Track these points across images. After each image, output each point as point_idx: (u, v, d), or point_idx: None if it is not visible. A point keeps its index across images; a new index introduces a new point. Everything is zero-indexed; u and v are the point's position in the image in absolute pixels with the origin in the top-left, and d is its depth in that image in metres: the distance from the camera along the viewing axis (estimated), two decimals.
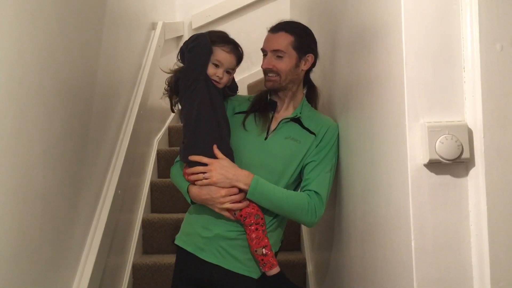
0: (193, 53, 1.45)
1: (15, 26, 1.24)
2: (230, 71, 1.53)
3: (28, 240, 1.31)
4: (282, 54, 1.53)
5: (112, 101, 2.13)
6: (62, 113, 1.53)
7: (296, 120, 1.57)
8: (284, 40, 1.54)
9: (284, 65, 1.53)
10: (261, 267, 1.46)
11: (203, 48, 1.45)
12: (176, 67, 1.54)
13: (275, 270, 1.45)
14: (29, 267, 1.32)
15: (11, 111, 1.22)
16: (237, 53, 1.53)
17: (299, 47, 1.55)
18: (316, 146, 1.54)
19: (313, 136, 1.55)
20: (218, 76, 1.49)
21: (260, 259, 1.45)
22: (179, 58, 1.53)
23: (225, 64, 1.50)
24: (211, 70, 1.48)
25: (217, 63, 1.49)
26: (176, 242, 1.60)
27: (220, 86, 1.53)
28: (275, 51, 1.54)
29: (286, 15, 3.04)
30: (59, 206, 1.51)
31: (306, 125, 1.57)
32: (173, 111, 1.61)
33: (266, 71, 1.57)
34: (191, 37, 1.49)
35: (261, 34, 1.63)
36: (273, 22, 1.61)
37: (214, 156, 1.46)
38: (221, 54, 1.49)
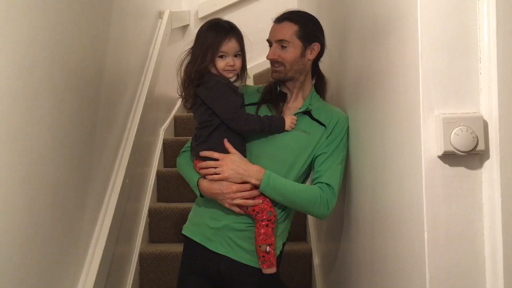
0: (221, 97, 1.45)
1: (25, 15, 1.23)
2: (238, 54, 1.49)
3: (39, 228, 1.32)
4: (286, 44, 1.53)
5: (119, 90, 2.12)
6: (71, 102, 1.53)
7: (306, 112, 1.57)
8: (289, 30, 1.53)
9: (289, 55, 1.53)
10: (260, 262, 1.46)
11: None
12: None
13: (272, 270, 1.46)
14: (40, 254, 1.33)
15: (22, 100, 1.22)
16: (234, 34, 1.47)
17: (304, 36, 1.54)
18: (327, 138, 1.53)
19: (323, 127, 1.54)
20: (230, 65, 1.46)
21: (261, 255, 1.45)
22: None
23: (230, 51, 1.46)
24: (220, 63, 1.45)
25: (222, 54, 1.45)
26: (183, 232, 1.60)
27: (235, 72, 1.49)
28: (279, 41, 1.54)
29: (293, 5, 3.03)
30: (69, 193, 1.52)
31: (316, 117, 1.56)
32: (186, 107, 1.57)
33: (271, 61, 1.57)
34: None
35: (268, 24, 1.61)
36: (280, 12, 1.59)
37: (226, 152, 1.46)
38: (222, 46, 1.45)
